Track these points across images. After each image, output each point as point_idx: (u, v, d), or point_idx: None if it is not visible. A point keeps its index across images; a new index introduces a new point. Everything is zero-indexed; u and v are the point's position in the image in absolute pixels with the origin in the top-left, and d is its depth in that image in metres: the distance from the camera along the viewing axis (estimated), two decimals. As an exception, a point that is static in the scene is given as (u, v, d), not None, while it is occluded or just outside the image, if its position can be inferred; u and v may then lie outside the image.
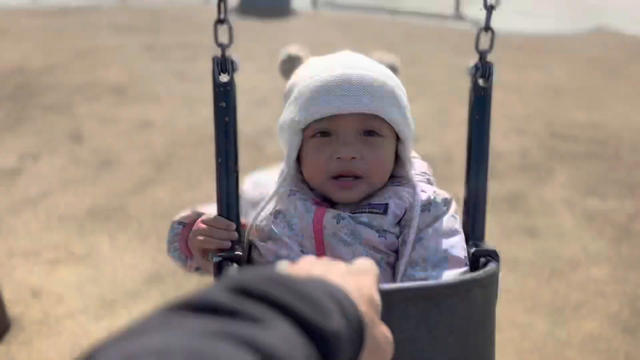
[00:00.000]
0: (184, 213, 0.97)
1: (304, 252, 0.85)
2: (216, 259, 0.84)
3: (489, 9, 0.91)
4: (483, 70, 0.94)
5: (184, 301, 0.36)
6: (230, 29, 0.88)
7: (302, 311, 0.39)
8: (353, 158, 0.86)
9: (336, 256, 0.83)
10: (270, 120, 3.99)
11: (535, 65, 5.60)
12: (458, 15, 7.38)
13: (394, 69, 1.02)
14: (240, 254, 0.86)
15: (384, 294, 0.59)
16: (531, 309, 2.36)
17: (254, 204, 1.00)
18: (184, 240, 0.94)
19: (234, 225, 0.88)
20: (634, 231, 2.95)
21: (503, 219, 3.00)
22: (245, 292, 0.38)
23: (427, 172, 1.00)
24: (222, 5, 0.87)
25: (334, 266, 0.53)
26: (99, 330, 2.17)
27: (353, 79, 0.86)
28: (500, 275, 0.83)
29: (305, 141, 0.90)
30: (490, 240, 0.96)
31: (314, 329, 0.38)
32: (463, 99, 1.17)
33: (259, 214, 0.90)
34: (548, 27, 7.15)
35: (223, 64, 0.89)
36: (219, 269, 0.84)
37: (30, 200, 3.01)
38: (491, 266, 0.83)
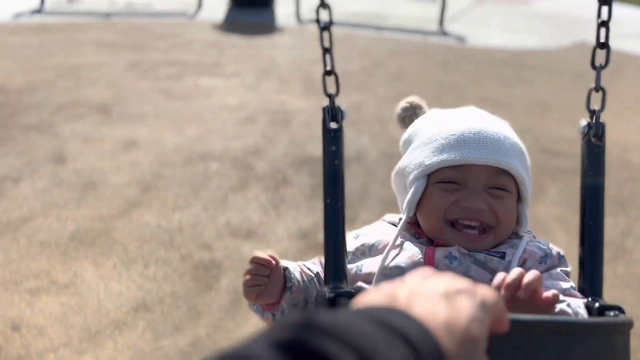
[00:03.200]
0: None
1: None
2: (329, 295, 0.81)
3: (598, 68, 1.01)
4: (596, 129, 1.02)
5: (225, 356, 0.36)
6: (337, 79, 0.95)
7: None
8: (482, 209, 0.88)
9: None
10: (258, 139, 3.92)
11: (521, 80, 5.63)
12: (442, 32, 7.43)
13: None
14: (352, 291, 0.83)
15: (526, 324, 0.62)
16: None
17: (354, 253, 0.96)
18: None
19: (273, 263, 0.87)
20: (627, 249, 2.93)
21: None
22: (288, 347, 0.37)
23: (530, 230, 1.01)
24: (327, 56, 0.93)
25: (428, 285, 0.47)
26: (82, 364, 2.07)
27: (489, 133, 0.92)
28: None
29: (429, 187, 0.93)
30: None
31: None
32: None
33: (385, 263, 0.88)
34: (531, 42, 7.23)
35: (333, 112, 0.94)
36: (331, 304, 0.81)
37: (10, 225, 2.90)
38: (624, 317, 0.80)
